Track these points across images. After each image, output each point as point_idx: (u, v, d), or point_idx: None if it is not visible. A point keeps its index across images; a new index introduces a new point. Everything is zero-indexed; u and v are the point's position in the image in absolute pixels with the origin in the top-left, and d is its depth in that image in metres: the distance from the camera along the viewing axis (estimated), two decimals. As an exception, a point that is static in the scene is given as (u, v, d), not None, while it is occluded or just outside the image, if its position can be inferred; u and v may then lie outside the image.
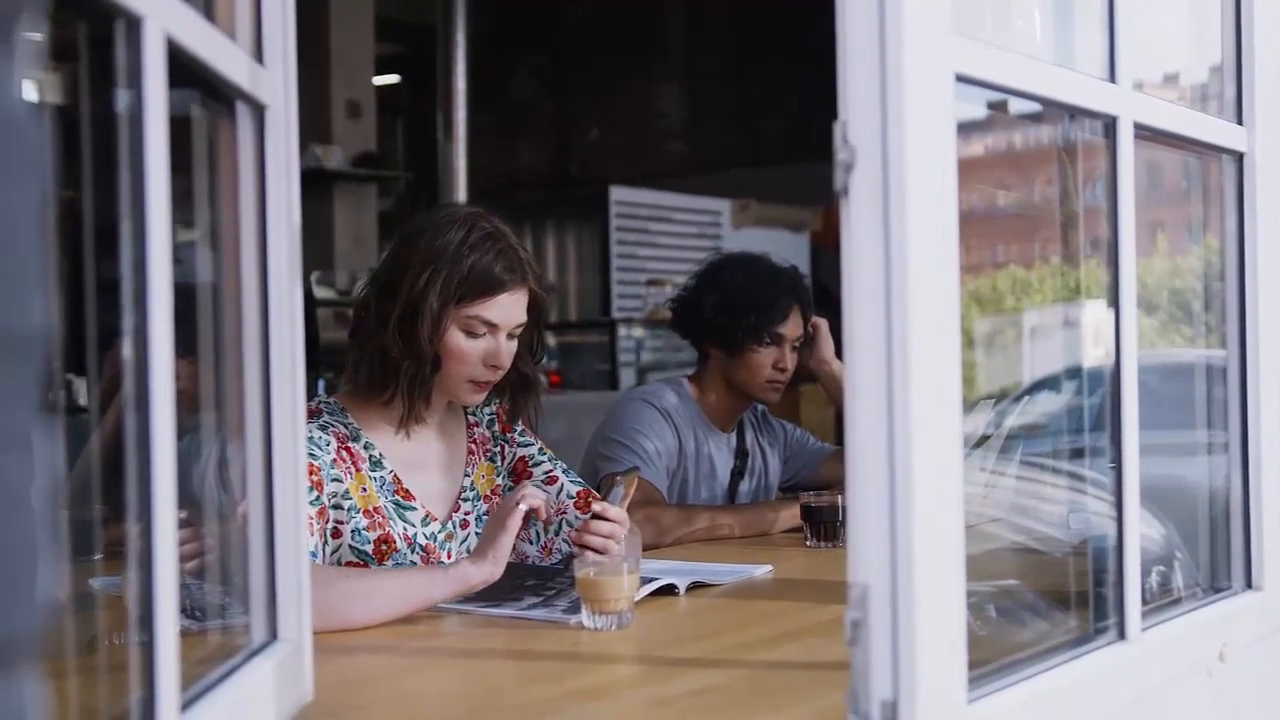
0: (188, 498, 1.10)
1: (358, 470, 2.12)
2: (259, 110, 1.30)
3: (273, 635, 1.33)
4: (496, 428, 2.33)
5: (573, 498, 2.27)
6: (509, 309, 2.12)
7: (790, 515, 2.73)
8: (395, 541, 2.11)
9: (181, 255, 1.09)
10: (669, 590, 2.03)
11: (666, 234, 7.96)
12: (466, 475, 2.26)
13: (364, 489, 2.11)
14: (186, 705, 1.05)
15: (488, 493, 2.28)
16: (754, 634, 1.82)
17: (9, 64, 0.56)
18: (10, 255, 0.55)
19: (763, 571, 2.26)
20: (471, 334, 2.11)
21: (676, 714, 1.43)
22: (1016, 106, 1.50)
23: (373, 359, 2.12)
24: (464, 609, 1.93)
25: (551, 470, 2.31)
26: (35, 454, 0.56)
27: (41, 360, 0.57)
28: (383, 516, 2.11)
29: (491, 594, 1.99)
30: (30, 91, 0.59)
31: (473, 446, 2.29)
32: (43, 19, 0.61)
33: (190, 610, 1.26)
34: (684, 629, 1.90)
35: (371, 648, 1.76)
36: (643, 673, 1.65)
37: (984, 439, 1.94)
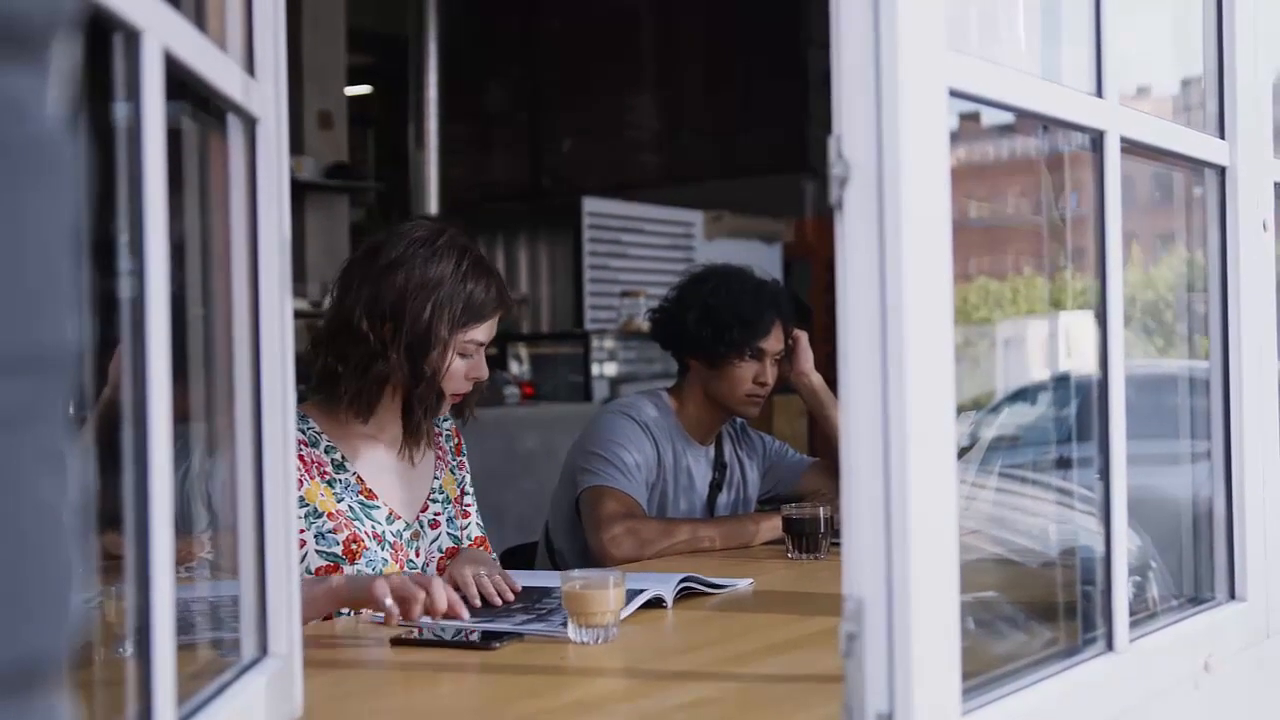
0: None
1: (312, 477, 2.16)
2: (250, 123, 1.29)
3: (263, 651, 1.32)
4: (452, 445, 2.42)
5: (471, 540, 2.37)
6: (494, 327, 2.26)
7: (771, 527, 2.73)
8: (364, 540, 2.16)
9: (171, 268, 1.08)
10: (656, 603, 2.03)
11: (639, 245, 7.95)
12: (436, 478, 2.34)
13: (322, 494, 2.16)
14: (181, 722, 1.05)
15: (454, 498, 2.37)
16: (741, 646, 1.82)
17: (42, 83, 0.56)
18: (45, 274, 0.54)
19: (745, 585, 2.26)
20: (464, 355, 2.21)
21: (669, 728, 1.43)
22: (987, 118, 1.50)
23: (371, 381, 2.17)
24: (456, 625, 1.92)
25: (470, 506, 2.42)
26: (67, 471, 0.56)
27: (71, 379, 0.57)
28: (346, 518, 2.16)
29: (484, 612, 1.98)
30: (62, 109, 0.59)
31: (439, 453, 2.37)
32: (75, 38, 0.61)
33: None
34: (670, 642, 1.90)
35: (360, 663, 1.75)
36: (632, 686, 1.65)
37: (962, 451, 1.95)
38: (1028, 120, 1.54)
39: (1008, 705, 1.28)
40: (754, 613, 2.09)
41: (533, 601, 2.06)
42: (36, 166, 0.55)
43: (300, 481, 2.12)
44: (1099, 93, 1.47)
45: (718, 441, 3.05)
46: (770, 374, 2.90)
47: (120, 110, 0.97)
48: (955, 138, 1.42)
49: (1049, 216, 1.81)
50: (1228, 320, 1.75)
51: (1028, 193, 1.88)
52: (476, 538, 2.39)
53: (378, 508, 2.21)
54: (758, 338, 2.87)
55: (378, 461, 2.25)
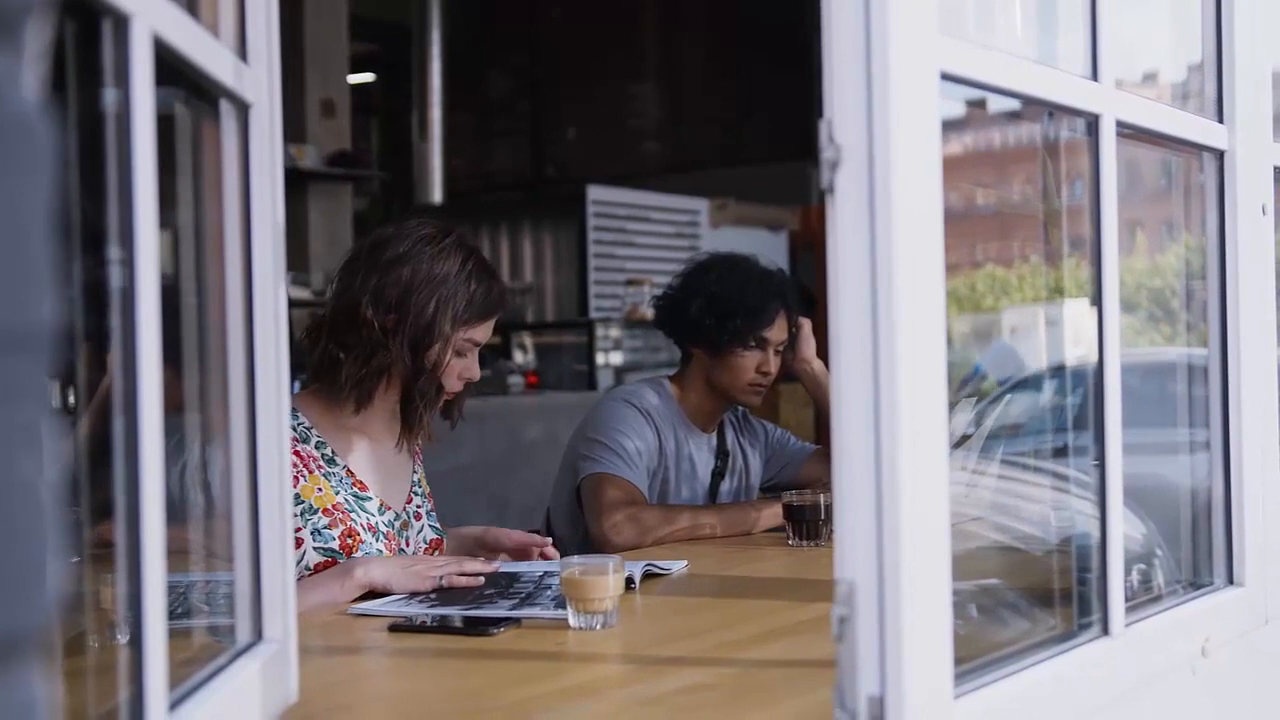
0: (169, 499, 1.10)
1: (310, 471, 2.18)
2: (243, 109, 1.29)
3: (258, 636, 1.32)
4: (419, 443, 2.44)
5: (427, 543, 2.36)
6: (490, 329, 2.29)
7: (772, 514, 2.74)
8: (360, 533, 2.19)
9: (164, 256, 1.08)
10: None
11: (644, 234, 7.95)
12: (415, 472, 2.38)
13: (319, 489, 2.18)
14: (174, 705, 1.05)
15: (427, 493, 2.41)
16: (739, 632, 1.83)
17: (16, 65, 0.57)
18: (21, 254, 0.55)
19: (679, 567, 2.28)
20: (460, 354, 2.24)
21: (666, 712, 1.43)
22: (994, 105, 1.50)
23: (372, 370, 2.19)
24: (450, 612, 1.92)
25: (428, 506, 2.41)
26: (45, 449, 0.56)
27: (49, 357, 0.58)
28: (343, 511, 2.18)
29: (468, 600, 1.97)
30: (37, 90, 0.59)
31: (417, 450, 2.41)
32: (49, 18, 0.61)
33: (173, 610, 1.25)
34: (668, 628, 1.90)
35: (355, 649, 1.76)
36: (629, 671, 1.65)
37: (964, 438, 1.95)
38: (1029, 107, 1.54)
39: (1001, 689, 1.28)
40: (752, 599, 2.09)
41: (505, 587, 2.05)
42: (11, 147, 0.55)
43: (297, 478, 2.14)
44: (1094, 76, 1.46)
45: (720, 429, 3.05)
46: (773, 364, 2.90)
47: (109, 97, 0.97)
48: (961, 125, 1.42)
49: (1049, 205, 1.81)
50: (1226, 305, 1.75)
51: (1031, 180, 1.88)
52: (433, 539, 2.38)
53: (370, 499, 2.24)
54: (761, 327, 2.86)
55: (364, 454, 2.28)
